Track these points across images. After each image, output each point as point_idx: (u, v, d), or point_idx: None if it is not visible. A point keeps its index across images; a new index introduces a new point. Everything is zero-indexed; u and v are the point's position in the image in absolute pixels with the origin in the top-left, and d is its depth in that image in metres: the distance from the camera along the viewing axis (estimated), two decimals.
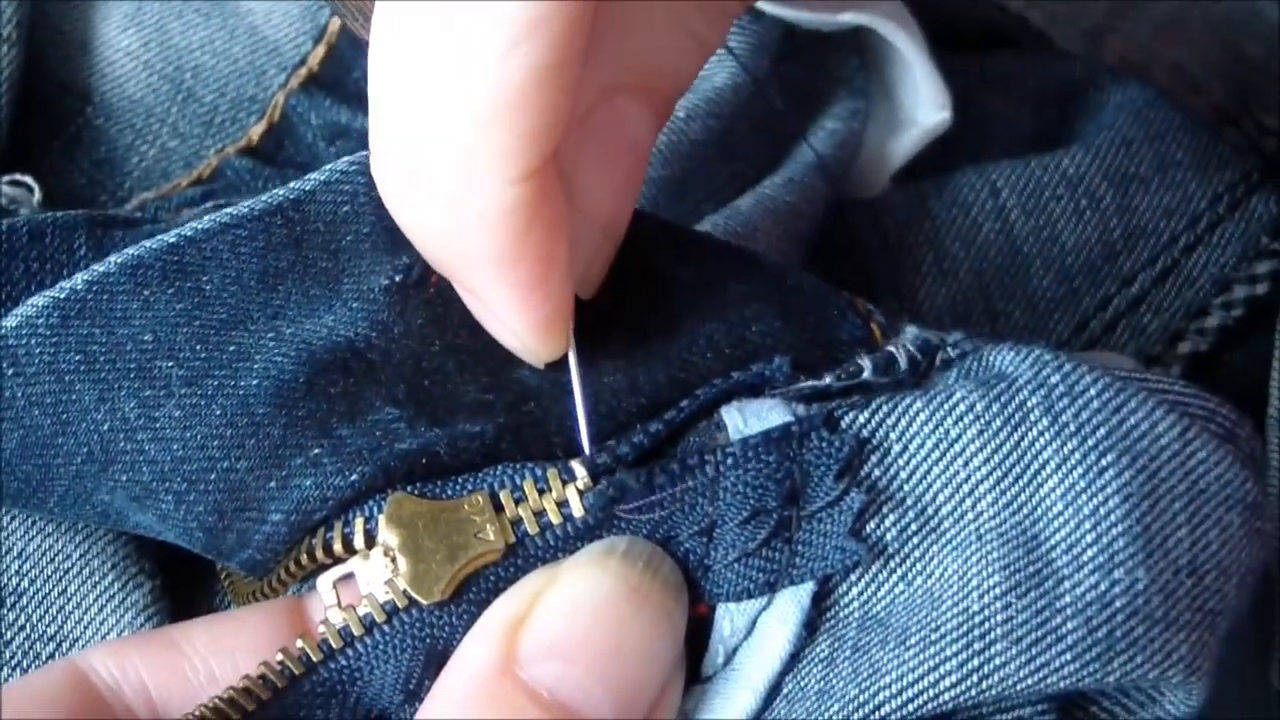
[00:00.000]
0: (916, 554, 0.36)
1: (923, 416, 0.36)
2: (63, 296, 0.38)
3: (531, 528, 0.36)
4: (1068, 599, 0.35)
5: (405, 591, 0.35)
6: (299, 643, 0.35)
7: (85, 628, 0.41)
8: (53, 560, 0.41)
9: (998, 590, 0.35)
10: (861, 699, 0.35)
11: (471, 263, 0.35)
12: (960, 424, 0.36)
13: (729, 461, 0.35)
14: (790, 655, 0.36)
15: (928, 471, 0.36)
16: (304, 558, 0.37)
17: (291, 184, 0.40)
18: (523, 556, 0.36)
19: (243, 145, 0.52)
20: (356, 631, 0.35)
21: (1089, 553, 0.35)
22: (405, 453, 0.36)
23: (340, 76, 0.53)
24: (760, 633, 0.36)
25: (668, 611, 0.35)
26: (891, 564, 0.36)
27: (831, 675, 0.35)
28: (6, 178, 0.48)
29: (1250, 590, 0.37)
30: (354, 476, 0.36)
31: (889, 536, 0.36)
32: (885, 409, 0.36)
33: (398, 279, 0.39)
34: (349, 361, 0.38)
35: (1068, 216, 0.53)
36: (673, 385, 0.37)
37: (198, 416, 0.37)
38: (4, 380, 0.38)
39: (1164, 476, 0.36)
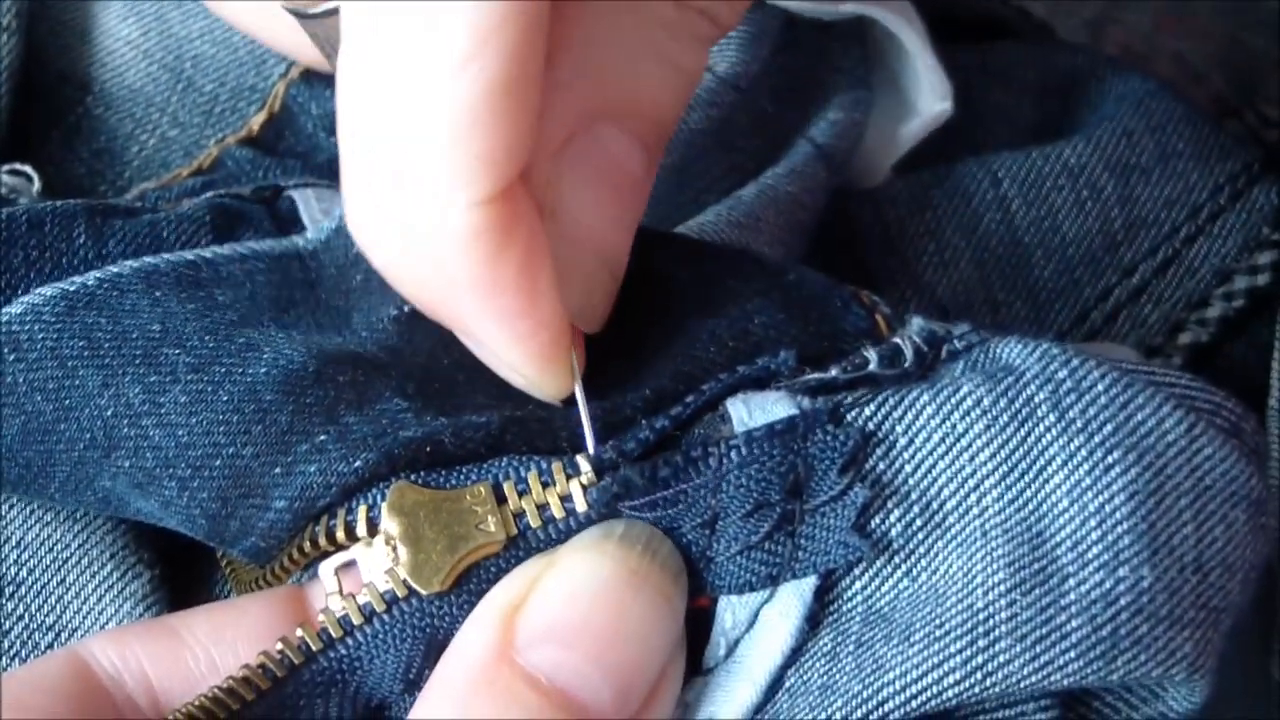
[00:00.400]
0: (921, 549, 0.35)
1: (929, 410, 0.36)
2: (71, 289, 0.38)
3: (534, 520, 0.35)
4: (1072, 596, 0.35)
5: (405, 581, 0.35)
6: (299, 631, 0.35)
7: (84, 617, 0.41)
8: (51, 550, 0.41)
9: (1002, 587, 0.35)
10: (865, 694, 0.35)
11: (450, 297, 0.35)
12: (967, 419, 0.36)
13: (732, 454, 0.35)
14: (792, 649, 0.36)
15: (933, 466, 0.36)
16: (306, 545, 0.37)
17: (309, 233, 0.40)
18: (524, 549, 0.35)
19: (243, 135, 0.52)
20: (356, 620, 0.35)
21: (1094, 550, 0.35)
22: (410, 440, 0.36)
23: None
24: (762, 625, 0.36)
25: (667, 595, 0.35)
26: (896, 559, 0.36)
27: (835, 670, 0.35)
28: (6, 167, 0.48)
29: (1253, 586, 0.37)
30: (357, 463, 0.36)
31: (893, 532, 0.36)
32: (891, 402, 0.36)
33: (405, 309, 0.39)
34: (359, 359, 0.38)
35: (1069, 207, 0.53)
36: (677, 379, 0.37)
37: (204, 402, 0.37)
38: (5, 365, 0.38)
39: (1170, 473, 0.35)
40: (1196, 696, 0.37)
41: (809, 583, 0.35)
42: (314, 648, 0.35)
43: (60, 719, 0.35)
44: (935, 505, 0.36)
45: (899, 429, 0.36)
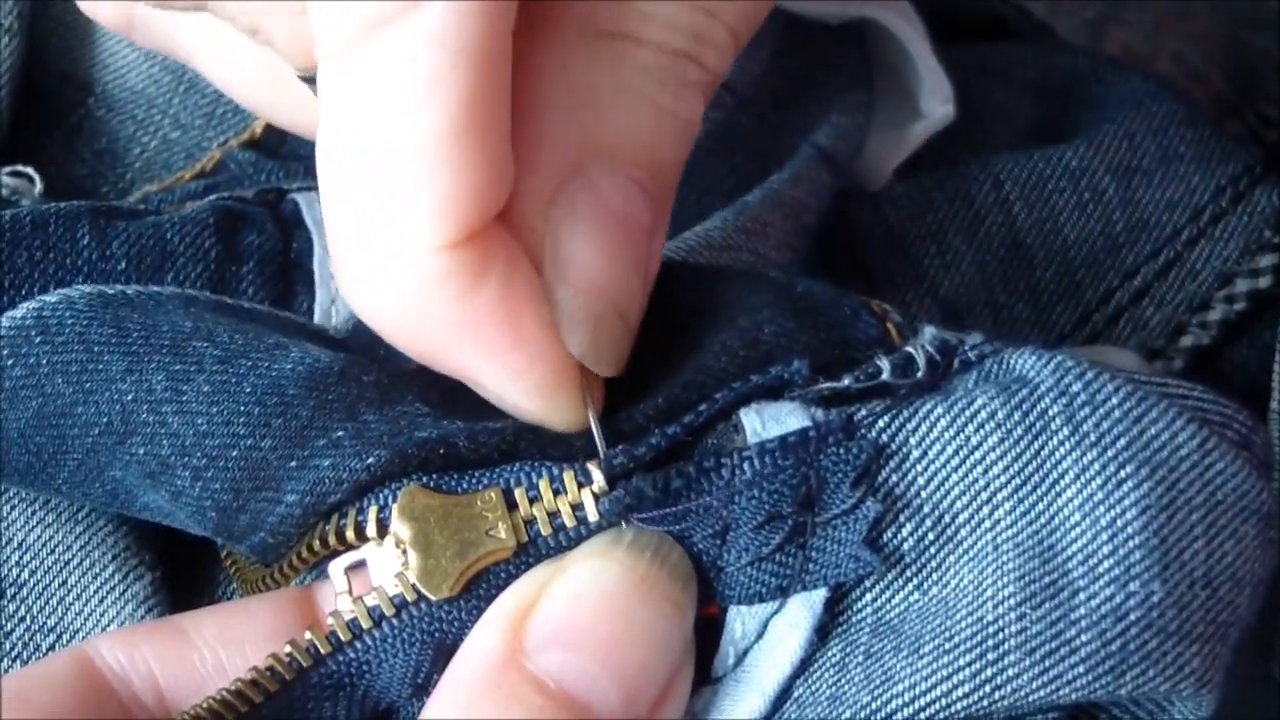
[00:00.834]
0: (933, 563, 0.35)
1: (943, 423, 0.36)
2: (111, 293, 0.39)
3: (544, 528, 0.35)
4: (1082, 610, 0.34)
5: (414, 586, 0.35)
6: (307, 634, 0.35)
7: (86, 619, 0.41)
8: (53, 551, 0.41)
9: (1012, 600, 0.35)
10: (874, 706, 0.35)
11: (431, 339, 0.35)
12: (981, 431, 0.36)
13: (745, 466, 0.35)
14: (802, 660, 0.36)
15: (946, 479, 0.36)
16: (316, 543, 0.36)
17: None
18: (534, 555, 0.35)
19: (246, 138, 0.52)
20: (365, 624, 0.35)
21: (1105, 564, 0.35)
22: (424, 440, 0.36)
23: None
24: (772, 636, 0.36)
25: (676, 601, 0.35)
26: (907, 572, 0.36)
27: (843, 681, 0.35)
28: (8, 169, 0.48)
29: (1260, 598, 0.37)
30: (370, 459, 0.36)
31: (905, 545, 0.36)
32: (905, 414, 0.36)
33: None
34: (386, 365, 0.38)
35: (1070, 209, 0.53)
36: (689, 389, 0.37)
37: (227, 393, 0.37)
38: (31, 346, 0.38)
39: (1183, 488, 0.35)
40: (1203, 710, 0.37)
41: (819, 595, 0.35)
42: (322, 651, 0.35)
43: (65, 717, 0.35)
44: (947, 518, 0.36)
45: (912, 441, 0.36)
